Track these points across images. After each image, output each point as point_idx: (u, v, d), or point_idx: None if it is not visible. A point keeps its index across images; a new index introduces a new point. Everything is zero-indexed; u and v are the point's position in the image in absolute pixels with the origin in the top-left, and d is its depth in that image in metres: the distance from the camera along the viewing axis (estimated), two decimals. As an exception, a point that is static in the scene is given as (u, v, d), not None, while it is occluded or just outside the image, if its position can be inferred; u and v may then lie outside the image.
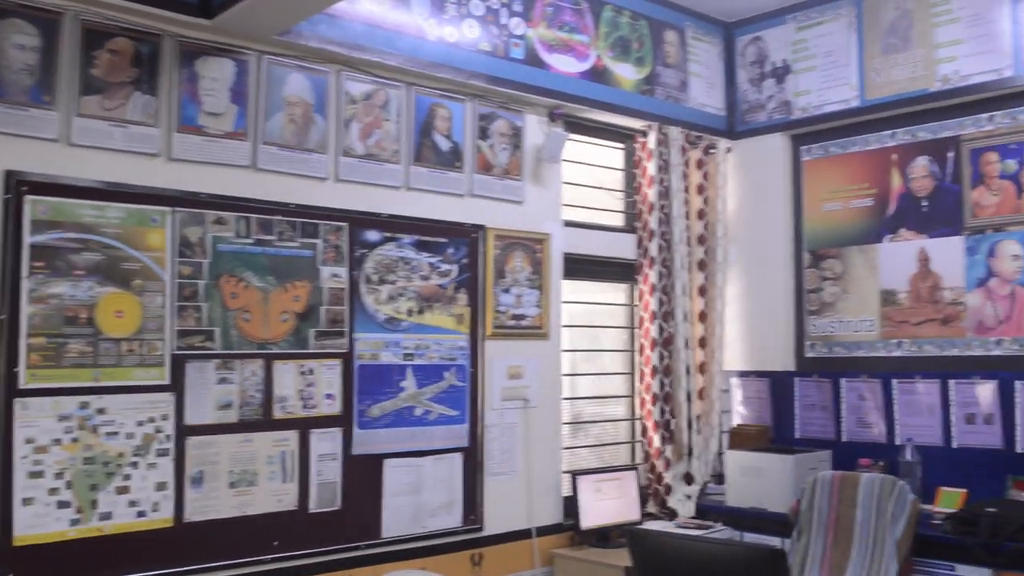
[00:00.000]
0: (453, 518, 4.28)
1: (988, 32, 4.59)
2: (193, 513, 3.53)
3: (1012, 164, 4.58)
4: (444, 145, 4.34)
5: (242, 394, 3.68)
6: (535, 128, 4.69)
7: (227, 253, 3.66)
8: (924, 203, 4.86)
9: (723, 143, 5.48)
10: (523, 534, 4.53)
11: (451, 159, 4.37)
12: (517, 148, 4.61)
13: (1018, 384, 4.43)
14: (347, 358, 3.97)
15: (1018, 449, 4.42)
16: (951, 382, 4.65)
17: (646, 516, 4.90)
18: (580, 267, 4.96)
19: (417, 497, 4.15)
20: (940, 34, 4.75)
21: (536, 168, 4.70)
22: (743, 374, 5.41)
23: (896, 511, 4.05)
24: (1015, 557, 3.82)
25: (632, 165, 5.22)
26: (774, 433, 5.25)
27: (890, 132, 4.99)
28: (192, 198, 3.58)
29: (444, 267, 4.31)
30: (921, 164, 4.88)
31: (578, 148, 5.04)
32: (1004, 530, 3.86)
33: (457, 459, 4.31)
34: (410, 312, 4.18)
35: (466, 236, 4.40)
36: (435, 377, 4.24)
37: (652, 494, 4.99)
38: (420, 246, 4.23)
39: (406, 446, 4.14)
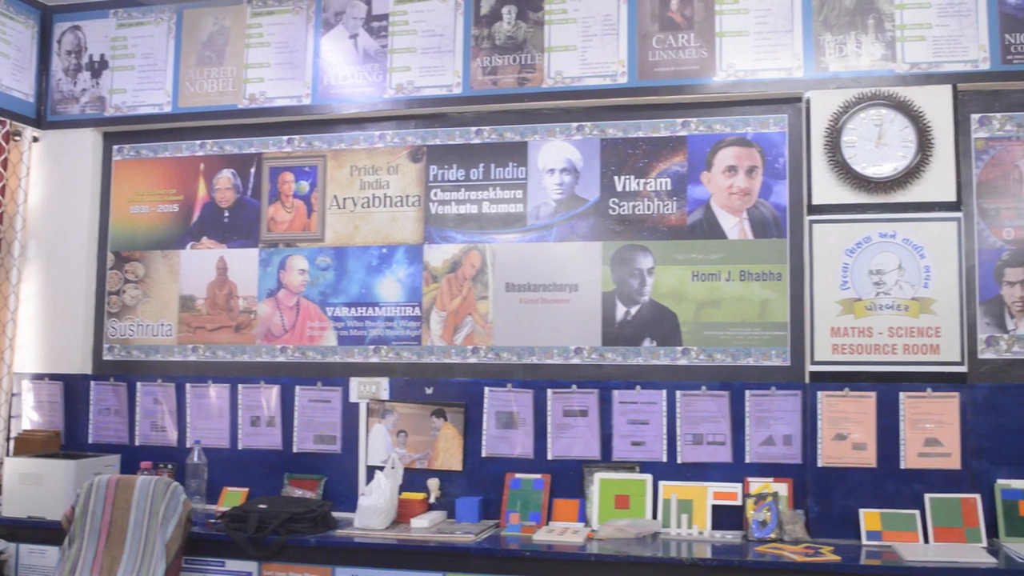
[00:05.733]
0: None
1: (292, 60, 4.92)
2: None
3: (305, 185, 4.94)
4: None
5: None
6: None
7: None
8: (226, 214, 5.04)
9: (29, 132, 5.15)
10: None
11: None
12: None
13: (299, 388, 4.78)
14: None
15: (295, 449, 4.77)
16: (240, 387, 4.87)
17: (-95, 534, 4.41)
18: None
19: None
20: (251, 55, 4.99)
21: None
22: (36, 377, 5.12)
23: (168, 513, 4.12)
24: (278, 549, 4.08)
25: (-86, 143, 4.70)
26: (65, 439, 5.04)
27: (200, 142, 5.10)
28: None
29: None
30: (226, 176, 5.06)
31: None
32: (269, 524, 4.11)
33: None
34: None
35: None
36: None
37: (-88, 509, 4.51)
38: None
39: None
